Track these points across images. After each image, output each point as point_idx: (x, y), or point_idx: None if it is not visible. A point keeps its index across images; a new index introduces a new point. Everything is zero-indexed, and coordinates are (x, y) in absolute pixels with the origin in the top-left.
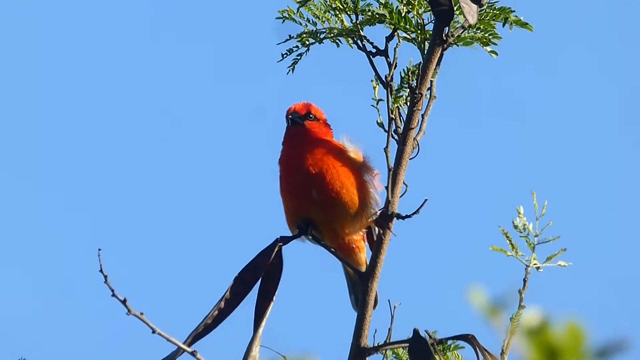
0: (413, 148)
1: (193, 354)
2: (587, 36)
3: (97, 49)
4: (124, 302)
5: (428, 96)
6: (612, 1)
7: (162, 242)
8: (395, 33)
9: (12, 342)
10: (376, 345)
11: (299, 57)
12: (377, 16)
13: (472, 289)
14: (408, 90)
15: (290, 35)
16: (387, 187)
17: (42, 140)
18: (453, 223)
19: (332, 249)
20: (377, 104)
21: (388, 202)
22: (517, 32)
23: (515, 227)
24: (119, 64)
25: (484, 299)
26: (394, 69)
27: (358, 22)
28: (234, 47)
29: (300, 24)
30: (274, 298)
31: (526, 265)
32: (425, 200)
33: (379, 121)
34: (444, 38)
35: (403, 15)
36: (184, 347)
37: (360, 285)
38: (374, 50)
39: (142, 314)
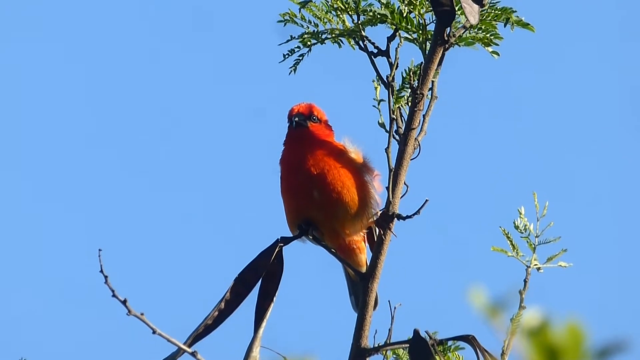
0: (414, 148)
1: (193, 354)
2: (588, 37)
3: (97, 49)
4: (124, 302)
5: (429, 96)
6: (614, 2)
7: (162, 242)
8: (397, 33)
9: (12, 342)
10: (376, 345)
11: (300, 58)
12: (378, 16)
13: (472, 289)
14: (409, 90)
15: (291, 36)
16: (387, 188)
17: (42, 140)
18: (454, 224)
19: (332, 250)
20: (379, 104)
21: (389, 203)
22: (518, 33)
23: (516, 227)
24: (120, 64)
25: (484, 300)
26: (396, 69)
27: (359, 22)
28: (235, 47)
29: (302, 25)
30: (275, 299)
31: (527, 266)
32: (426, 200)
33: (380, 121)
34: (446, 38)
35: (404, 15)
36: (185, 347)
37: (360, 286)
38: (375, 51)
39: (142, 314)
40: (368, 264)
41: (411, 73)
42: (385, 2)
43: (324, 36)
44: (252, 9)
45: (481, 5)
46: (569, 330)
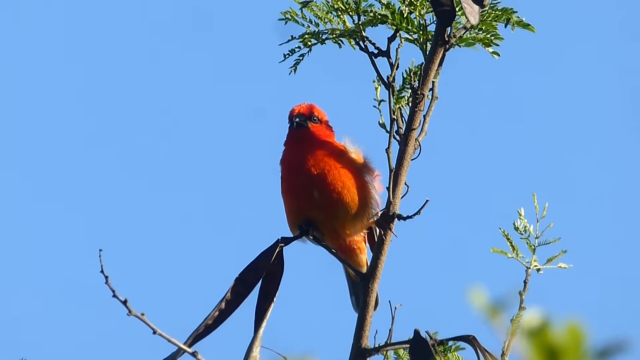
0: (415, 149)
1: (194, 354)
2: (588, 37)
3: (97, 49)
4: (124, 302)
5: (430, 97)
6: (614, 2)
7: (163, 242)
8: (397, 34)
9: (12, 342)
10: (377, 346)
11: (301, 58)
12: (379, 17)
13: (472, 290)
14: (410, 91)
15: (292, 36)
16: (388, 188)
17: (42, 140)
18: (454, 224)
19: (333, 250)
20: (379, 104)
21: (389, 203)
22: (519, 33)
23: (516, 228)
24: (120, 64)
25: (484, 300)
26: (396, 69)
27: (360, 23)
28: (235, 47)
29: (303, 25)
30: (275, 299)
31: (527, 267)
32: (427, 201)
33: (380, 122)
34: (446, 39)
35: (405, 16)
36: (185, 347)
37: (361, 286)
38: (376, 51)
39: (143, 314)
40: (368, 264)
41: (412, 73)
42: (385, 3)
43: (324, 36)
44: (253, 9)
45: (482, 5)
46: (569, 330)
